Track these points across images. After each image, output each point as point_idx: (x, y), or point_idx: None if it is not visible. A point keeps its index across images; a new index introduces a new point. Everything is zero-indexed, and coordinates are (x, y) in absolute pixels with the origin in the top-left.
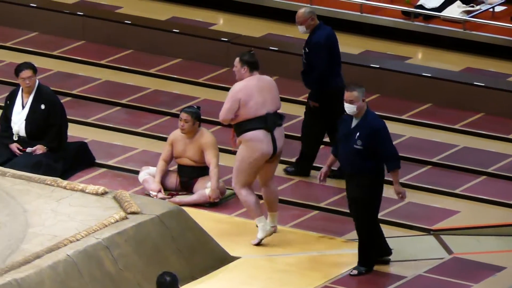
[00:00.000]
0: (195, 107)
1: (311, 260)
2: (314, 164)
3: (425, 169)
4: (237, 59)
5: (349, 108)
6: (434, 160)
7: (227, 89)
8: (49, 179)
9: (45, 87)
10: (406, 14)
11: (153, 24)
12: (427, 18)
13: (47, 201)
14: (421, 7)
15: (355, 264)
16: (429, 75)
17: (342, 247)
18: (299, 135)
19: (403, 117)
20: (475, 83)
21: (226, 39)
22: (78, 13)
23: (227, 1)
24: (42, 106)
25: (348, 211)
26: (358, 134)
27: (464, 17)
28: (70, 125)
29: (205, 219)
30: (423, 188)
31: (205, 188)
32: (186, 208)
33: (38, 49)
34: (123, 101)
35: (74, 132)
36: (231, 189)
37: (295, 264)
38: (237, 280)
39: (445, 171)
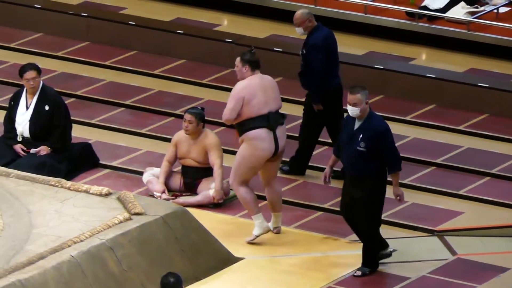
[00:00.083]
0: (199, 108)
1: (314, 261)
2: (310, 164)
3: (429, 170)
4: (238, 58)
5: (352, 110)
6: (438, 161)
7: (231, 90)
8: (53, 180)
9: (49, 88)
10: (410, 15)
11: (157, 25)
12: (431, 19)
13: (51, 202)
14: (425, 8)
15: (359, 265)
16: (433, 76)
17: (346, 248)
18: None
19: (407, 118)
20: (479, 84)
21: (230, 40)
22: (83, 14)
23: (231, 2)
24: (46, 107)
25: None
26: (361, 136)
27: (468, 18)
28: (74, 126)
29: (209, 220)
30: (427, 189)
31: (209, 189)
32: (190, 209)
33: (42, 50)
34: (127, 102)
35: (78, 133)
36: None
37: (298, 265)
38: (241, 281)
39: (449, 172)
